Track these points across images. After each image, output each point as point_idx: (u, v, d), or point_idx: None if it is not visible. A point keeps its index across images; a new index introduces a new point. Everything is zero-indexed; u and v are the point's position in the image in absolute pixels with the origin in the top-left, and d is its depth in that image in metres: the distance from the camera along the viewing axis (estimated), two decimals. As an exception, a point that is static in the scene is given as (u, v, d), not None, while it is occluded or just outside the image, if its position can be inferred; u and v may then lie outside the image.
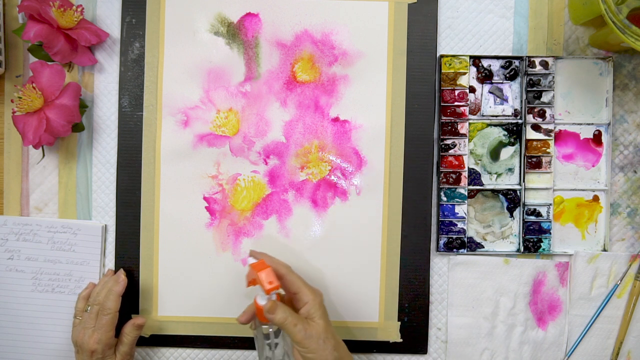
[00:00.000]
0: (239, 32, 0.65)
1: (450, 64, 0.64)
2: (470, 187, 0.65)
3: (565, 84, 0.65)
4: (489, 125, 0.65)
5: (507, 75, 0.65)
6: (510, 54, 0.65)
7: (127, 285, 0.62)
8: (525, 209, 0.65)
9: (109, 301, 0.59)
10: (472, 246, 0.65)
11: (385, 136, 0.65)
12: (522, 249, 0.65)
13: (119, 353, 0.60)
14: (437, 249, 0.65)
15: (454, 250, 0.65)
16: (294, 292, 0.55)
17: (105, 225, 0.65)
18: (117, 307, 0.60)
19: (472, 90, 0.65)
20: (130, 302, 0.64)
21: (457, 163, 0.64)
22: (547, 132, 0.64)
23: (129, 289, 0.64)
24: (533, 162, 0.64)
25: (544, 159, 0.64)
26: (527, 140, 0.64)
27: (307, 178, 0.65)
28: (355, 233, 0.65)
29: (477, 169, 0.65)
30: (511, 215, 0.65)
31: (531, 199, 0.65)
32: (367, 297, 0.65)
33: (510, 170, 0.65)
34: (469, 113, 0.65)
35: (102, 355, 0.59)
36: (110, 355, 0.59)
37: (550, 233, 0.65)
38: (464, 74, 0.64)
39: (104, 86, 0.65)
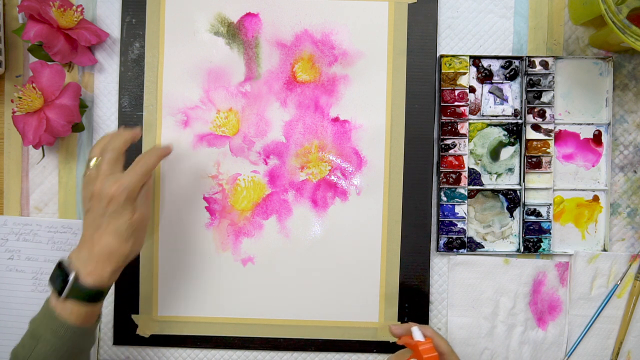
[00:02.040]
0: (239, 32, 0.65)
1: (450, 64, 0.64)
2: (470, 187, 0.65)
3: (565, 84, 0.65)
4: (489, 125, 0.65)
5: (507, 75, 0.65)
6: (510, 54, 0.65)
7: (127, 285, 0.61)
8: (525, 209, 0.65)
9: (114, 141, 0.52)
10: (472, 246, 0.65)
11: (385, 136, 0.65)
12: (522, 249, 0.65)
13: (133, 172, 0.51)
14: (437, 249, 0.65)
15: (454, 250, 0.65)
16: None
17: (105, 225, 0.65)
18: (121, 147, 0.52)
19: (472, 90, 0.65)
20: (130, 302, 0.64)
21: (457, 163, 0.64)
22: (547, 132, 0.64)
23: (129, 289, 0.64)
24: (533, 162, 0.64)
25: (544, 159, 0.64)
26: (527, 140, 0.64)
27: (307, 178, 0.65)
28: (355, 233, 0.65)
29: (477, 169, 0.65)
30: (511, 215, 0.65)
31: (531, 199, 0.65)
32: (367, 297, 0.65)
33: (510, 170, 0.65)
34: (469, 113, 0.65)
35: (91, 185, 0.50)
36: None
37: (550, 233, 0.65)
38: (464, 74, 0.64)
39: (104, 86, 0.65)
